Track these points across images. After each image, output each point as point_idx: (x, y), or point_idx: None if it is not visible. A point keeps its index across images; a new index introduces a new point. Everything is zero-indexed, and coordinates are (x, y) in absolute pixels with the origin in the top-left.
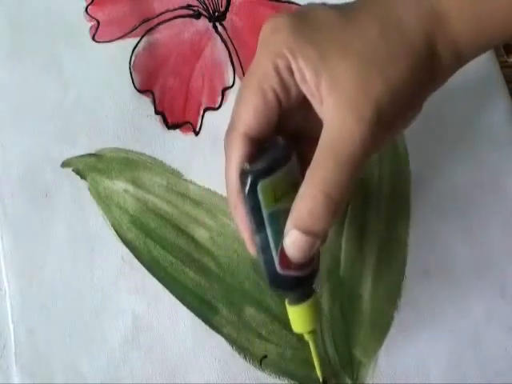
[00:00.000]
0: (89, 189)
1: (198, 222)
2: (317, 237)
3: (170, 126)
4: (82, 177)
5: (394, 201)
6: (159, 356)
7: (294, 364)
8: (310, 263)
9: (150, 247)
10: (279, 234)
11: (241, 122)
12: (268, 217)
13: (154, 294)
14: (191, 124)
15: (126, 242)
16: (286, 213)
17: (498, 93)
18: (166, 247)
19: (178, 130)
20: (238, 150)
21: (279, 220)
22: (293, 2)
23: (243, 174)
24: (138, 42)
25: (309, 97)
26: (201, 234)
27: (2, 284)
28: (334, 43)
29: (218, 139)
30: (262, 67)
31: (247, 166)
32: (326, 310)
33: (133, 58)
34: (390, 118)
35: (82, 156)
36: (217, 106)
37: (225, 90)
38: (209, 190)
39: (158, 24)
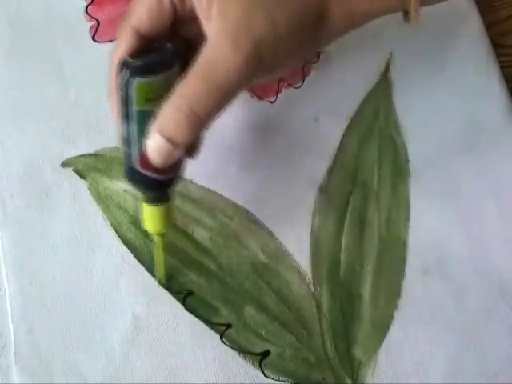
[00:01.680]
0: (89, 189)
1: (198, 222)
2: (176, 146)
3: None
4: (82, 177)
5: (394, 200)
6: (159, 356)
7: (294, 364)
8: (169, 170)
9: (150, 247)
10: (143, 134)
11: (134, 15)
12: (136, 114)
13: (154, 294)
14: None
15: (126, 242)
16: (151, 116)
17: (498, 93)
18: (166, 247)
19: None
20: (126, 41)
21: (146, 120)
22: None
23: (122, 65)
24: None
25: (198, 11)
26: (201, 234)
27: (2, 284)
28: None
29: (217, 139)
30: None
31: (128, 59)
32: (326, 309)
33: None
34: (268, 58)
35: (82, 156)
36: None
37: None
38: (209, 190)
39: None
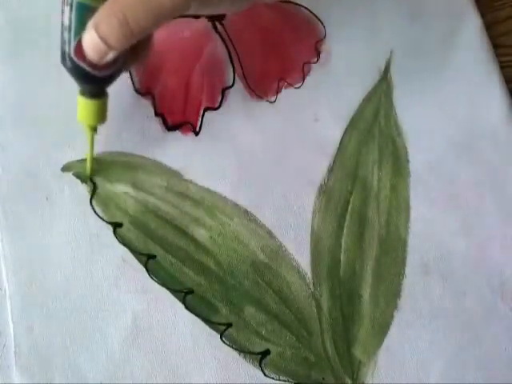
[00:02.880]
0: (89, 192)
1: (198, 222)
2: (108, 47)
3: (170, 127)
4: (83, 180)
5: (393, 200)
6: (159, 356)
7: (294, 363)
8: (105, 68)
9: (149, 247)
10: (82, 26)
11: None
12: (77, 4)
13: (154, 294)
14: (191, 124)
15: (126, 242)
16: (93, 12)
17: (498, 93)
18: (166, 247)
19: (177, 131)
20: None
21: (86, 13)
22: (293, 2)
23: None
24: None
25: None
26: (201, 234)
27: (2, 284)
28: None
29: (217, 139)
30: None
31: None
32: (326, 309)
33: None
34: None
35: (83, 160)
36: (217, 105)
37: (225, 89)
38: (209, 190)
39: None
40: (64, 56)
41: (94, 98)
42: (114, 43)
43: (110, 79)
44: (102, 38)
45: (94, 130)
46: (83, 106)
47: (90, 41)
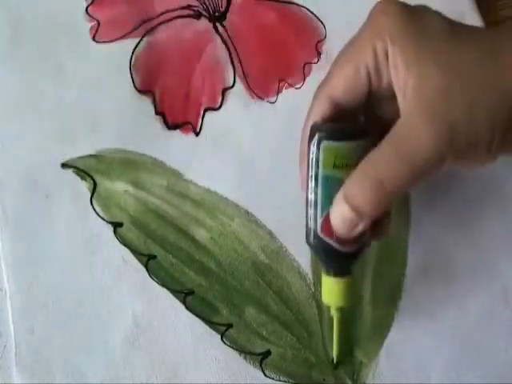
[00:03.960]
0: (89, 189)
1: (199, 222)
2: (360, 217)
3: (171, 126)
4: (83, 178)
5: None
6: (159, 356)
7: (295, 364)
8: (352, 242)
9: (150, 247)
10: (328, 200)
11: (330, 83)
12: (322, 178)
13: (154, 294)
14: (191, 124)
15: (126, 242)
16: (339, 183)
17: None
18: (166, 247)
19: (178, 130)
20: (320, 107)
21: (332, 186)
22: (293, 3)
23: (313, 128)
24: (139, 43)
25: (395, 86)
26: (201, 235)
27: (2, 284)
28: (435, 50)
29: (218, 139)
30: (361, 42)
31: (320, 123)
32: (327, 310)
33: (133, 59)
34: (461, 146)
35: (82, 157)
36: (217, 106)
37: (225, 90)
38: (209, 190)
39: (159, 24)
40: (309, 233)
41: (339, 277)
42: (365, 209)
43: (356, 255)
44: (353, 208)
45: (341, 310)
46: (328, 286)
47: (341, 213)
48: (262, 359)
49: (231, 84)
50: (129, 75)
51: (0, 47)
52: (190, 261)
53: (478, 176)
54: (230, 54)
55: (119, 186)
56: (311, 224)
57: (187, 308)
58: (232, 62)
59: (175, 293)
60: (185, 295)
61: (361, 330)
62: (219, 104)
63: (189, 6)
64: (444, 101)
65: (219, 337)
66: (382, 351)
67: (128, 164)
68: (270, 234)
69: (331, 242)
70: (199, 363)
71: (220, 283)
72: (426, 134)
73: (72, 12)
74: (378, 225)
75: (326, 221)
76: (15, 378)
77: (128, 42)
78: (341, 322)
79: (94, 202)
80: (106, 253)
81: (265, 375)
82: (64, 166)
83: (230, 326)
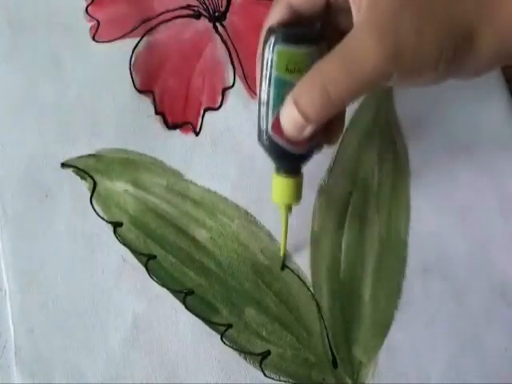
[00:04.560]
0: (89, 189)
1: (199, 222)
2: (307, 120)
3: (171, 126)
4: (82, 177)
5: (394, 200)
6: (159, 356)
7: (294, 364)
8: (301, 144)
9: (150, 247)
10: (280, 101)
11: None
12: (275, 79)
13: (154, 294)
14: (191, 124)
15: (126, 242)
16: (291, 87)
17: (498, 93)
18: (166, 247)
19: (178, 130)
20: (278, 12)
21: (284, 88)
22: None
23: (269, 31)
24: (138, 42)
25: (351, 1)
26: (201, 235)
27: (2, 284)
28: None
29: (218, 139)
30: None
31: (276, 26)
32: (326, 310)
33: (133, 58)
34: (407, 61)
35: (82, 157)
36: (217, 105)
37: (225, 89)
38: (209, 190)
39: (158, 24)
40: (260, 132)
41: (289, 177)
42: (313, 116)
43: (306, 157)
44: (301, 112)
45: (289, 209)
46: (278, 185)
47: (289, 115)
48: (261, 359)
49: (231, 84)
50: (129, 75)
51: (0, 47)
52: (190, 261)
53: (478, 173)
54: (229, 54)
55: (119, 186)
56: (263, 123)
57: (187, 308)
58: (232, 62)
59: (175, 293)
60: (185, 295)
61: (361, 330)
62: (219, 104)
63: (188, 6)
64: (395, 18)
65: (219, 337)
66: (382, 351)
67: (128, 164)
68: (270, 235)
69: (281, 142)
70: (199, 363)
71: (220, 283)
72: (374, 49)
73: (72, 12)
74: (329, 129)
75: (277, 121)
76: (15, 377)
77: (128, 42)
78: (288, 221)
79: (93, 201)
80: (106, 253)
81: (264, 375)
82: (64, 165)
83: (229, 326)
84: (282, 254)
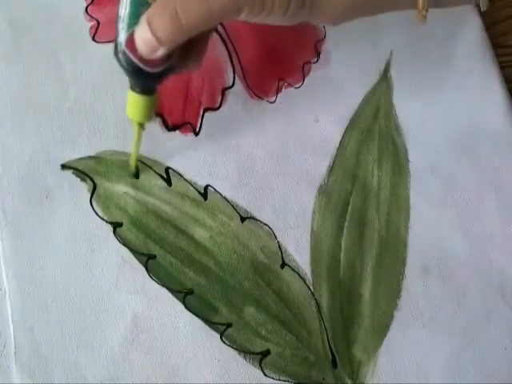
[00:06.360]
0: (89, 191)
1: (198, 222)
2: (159, 43)
3: (170, 127)
4: (82, 179)
5: (393, 200)
6: (159, 356)
7: (294, 363)
8: (155, 64)
9: (149, 247)
10: (136, 19)
11: None
12: None
13: (154, 294)
14: (191, 124)
15: (126, 242)
16: (148, 6)
17: (498, 93)
18: (166, 247)
19: (177, 131)
20: None
21: (141, 7)
22: None
23: None
24: None
25: None
26: (201, 234)
27: (2, 284)
28: None
29: (217, 139)
30: None
31: None
32: (326, 309)
33: None
34: (258, 2)
35: (82, 158)
36: (217, 106)
37: (225, 90)
38: (208, 190)
39: None
40: (116, 47)
41: (143, 95)
42: (164, 39)
43: (161, 76)
44: (153, 33)
45: (142, 127)
46: (132, 102)
47: (142, 34)
48: (261, 358)
49: (231, 84)
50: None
51: (0, 47)
52: (190, 260)
53: (478, 174)
54: (229, 54)
55: (119, 188)
56: (119, 38)
57: (187, 308)
58: (231, 62)
59: (175, 292)
60: (184, 295)
61: (360, 329)
62: (219, 104)
63: None
64: None
65: (218, 336)
66: (382, 350)
67: (127, 165)
68: (270, 234)
69: (135, 59)
70: (199, 363)
71: (219, 283)
72: None
73: (72, 12)
74: (189, 51)
75: (131, 38)
76: (15, 377)
77: None
78: (140, 137)
79: (93, 202)
80: (106, 253)
81: (264, 374)
82: (64, 167)
83: (229, 325)
84: (133, 164)
